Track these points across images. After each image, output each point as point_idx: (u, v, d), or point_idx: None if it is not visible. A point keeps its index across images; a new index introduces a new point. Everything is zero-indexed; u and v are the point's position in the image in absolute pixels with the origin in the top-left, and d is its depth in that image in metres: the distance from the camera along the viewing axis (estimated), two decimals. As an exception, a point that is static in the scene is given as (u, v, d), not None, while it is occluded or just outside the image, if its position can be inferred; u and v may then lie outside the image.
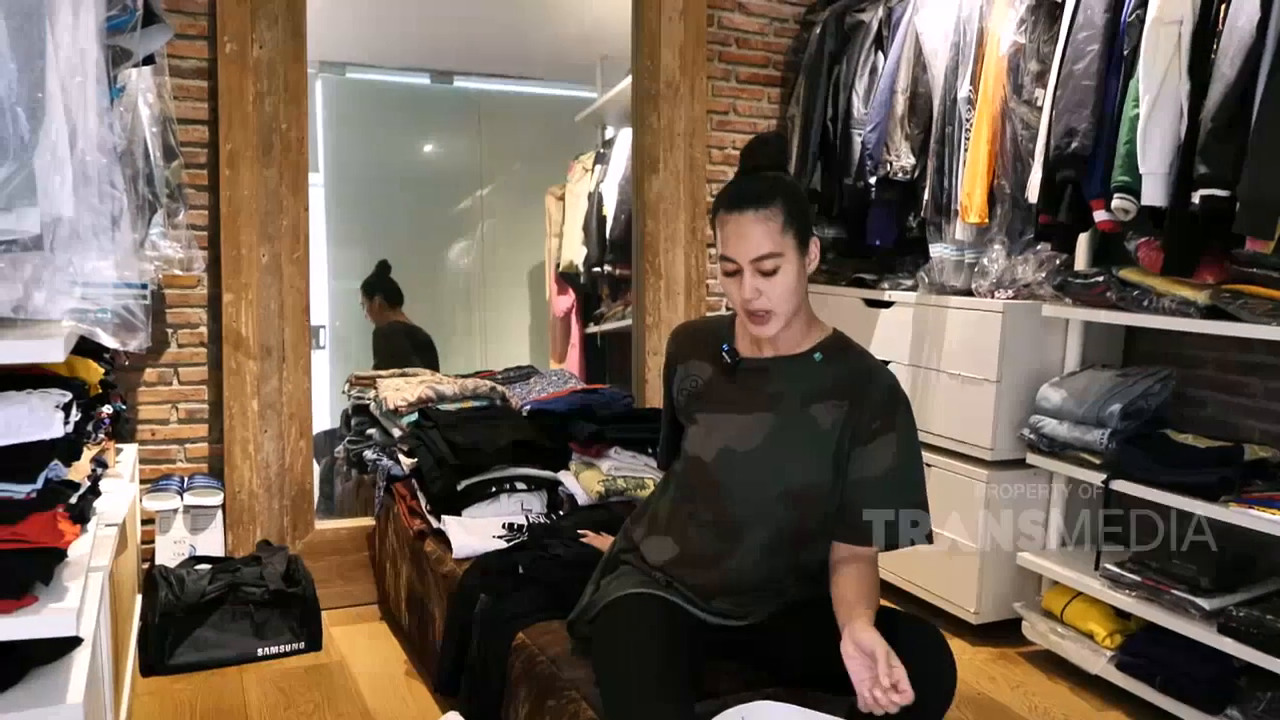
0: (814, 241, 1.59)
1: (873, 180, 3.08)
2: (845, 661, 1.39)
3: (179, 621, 2.47)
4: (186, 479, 2.82)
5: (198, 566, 2.65)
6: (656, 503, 1.76)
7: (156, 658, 2.44)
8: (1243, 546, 2.33)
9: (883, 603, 1.57)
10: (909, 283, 3.08)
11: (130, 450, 2.56)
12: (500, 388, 3.10)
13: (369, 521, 3.01)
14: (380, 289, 4.47)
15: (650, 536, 1.72)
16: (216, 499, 2.76)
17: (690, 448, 1.68)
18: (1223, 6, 2.11)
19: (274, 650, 2.56)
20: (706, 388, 1.68)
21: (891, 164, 2.99)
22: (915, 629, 1.55)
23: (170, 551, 2.73)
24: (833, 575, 1.59)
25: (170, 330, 2.83)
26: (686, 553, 1.66)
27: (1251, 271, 2.13)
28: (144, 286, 1.94)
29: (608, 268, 4.39)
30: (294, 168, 2.83)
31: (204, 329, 2.86)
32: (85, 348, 1.99)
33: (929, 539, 1.62)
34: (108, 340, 1.40)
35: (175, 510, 2.71)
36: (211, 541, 2.79)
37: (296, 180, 2.84)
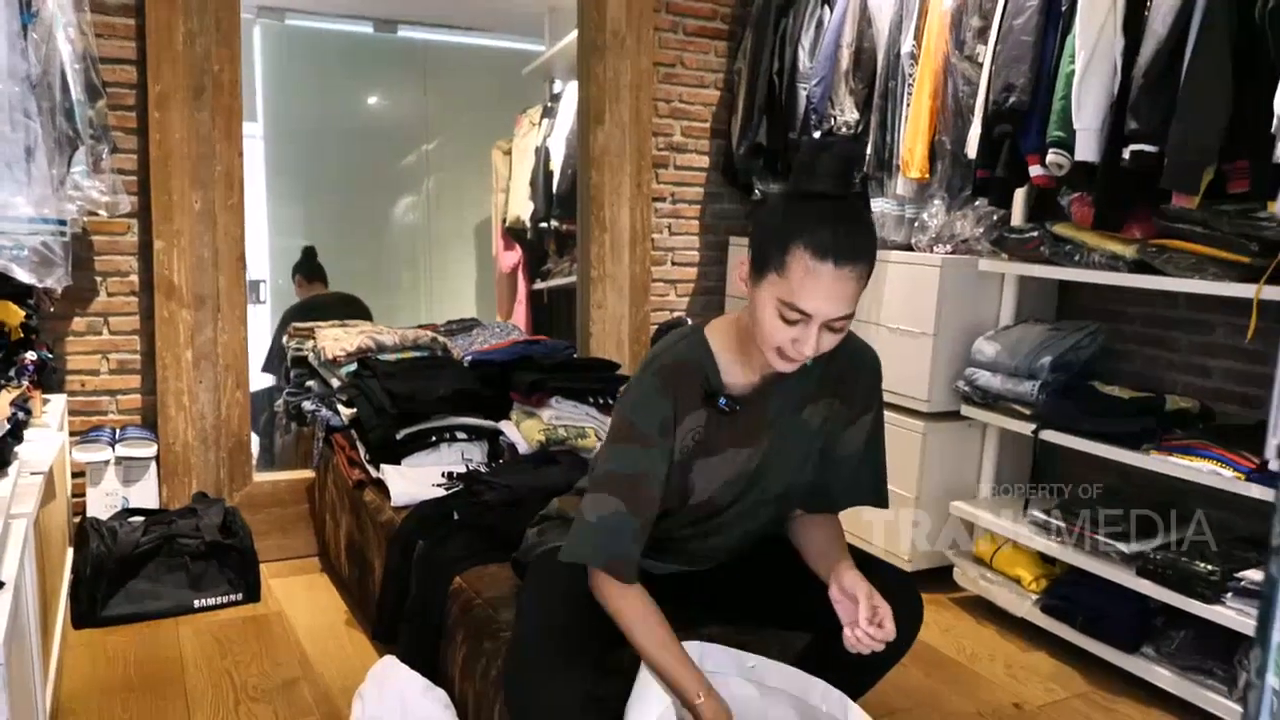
0: None
1: (817, 134, 3.09)
2: (834, 605, 1.41)
3: (111, 573, 2.43)
4: (118, 430, 2.76)
5: (131, 519, 2.60)
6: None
7: (88, 609, 2.40)
8: (1161, 492, 2.41)
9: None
10: (875, 232, 3.10)
11: (59, 400, 2.51)
12: (441, 338, 3.07)
13: (309, 474, 2.98)
14: (301, 269, 4.48)
15: None
16: (149, 450, 2.72)
17: (695, 499, 1.52)
18: (1157, -37, 2.14)
19: (211, 602, 2.53)
20: (706, 436, 1.46)
21: (836, 118, 3.00)
22: (888, 573, 1.59)
23: (102, 504, 2.68)
24: (800, 531, 1.59)
25: (99, 278, 2.75)
26: (662, 543, 1.60)
27: (1178, 227, 2.19)
28: (62, 223, 1.88)
29: (555, 223, 4.36)
30: (227, 112, 2.76)
31: (135, 277, 2.79)
32: (5, 291, 1.94)
33: (885, 504, 1.65)
34: (24, 277, 1.37)
35: (106, 462, 2.66)
36: (145, 494, 2.74)
37: (230, 125, 2.76)
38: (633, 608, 1.41)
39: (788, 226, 1.31)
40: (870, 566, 1.54)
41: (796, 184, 1.42)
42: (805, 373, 1.44)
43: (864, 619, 1.36)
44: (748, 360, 1.46)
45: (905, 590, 1.55)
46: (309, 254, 4.51)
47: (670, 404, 1.43)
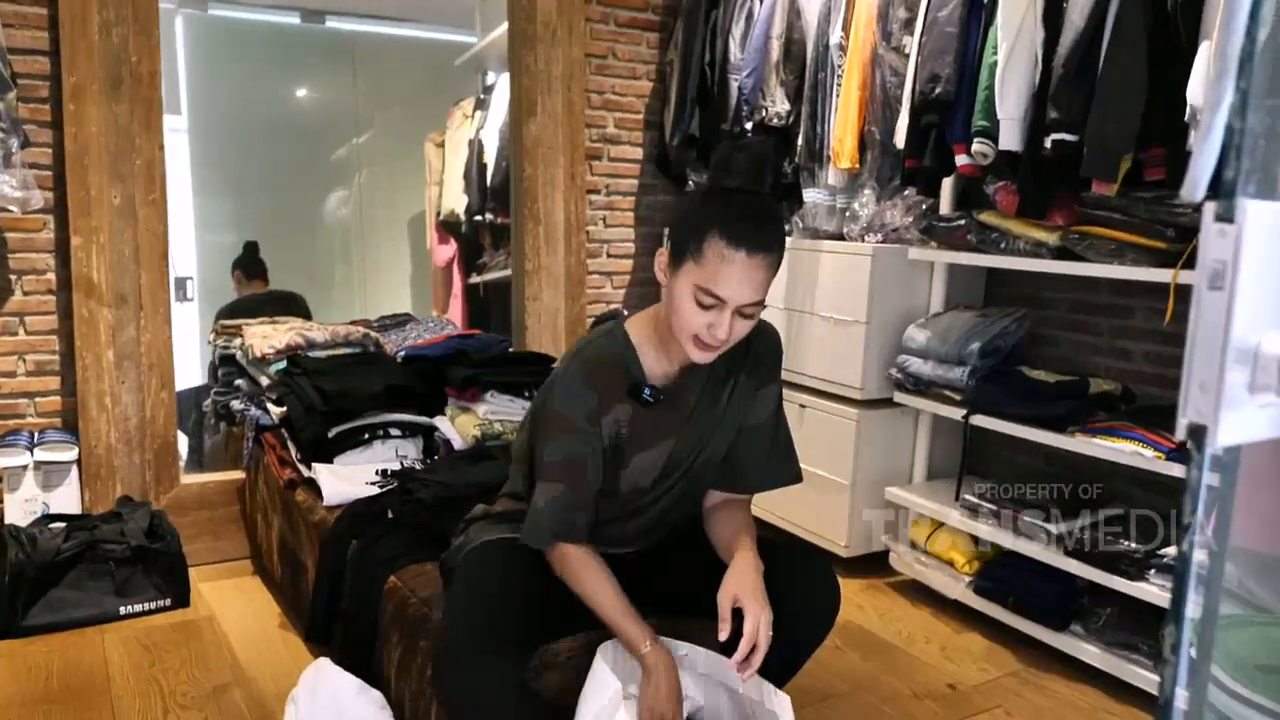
0: None
1: (749, 126, 3.11)
2: (719, 608, 1.44)
3: (31, 581, 2.34)
4: (37, 434, 2.67)
5: (52, 525, 2.52)
6: None
7: (8, 620, 2.32)
8: (1087, 473, 2.48)
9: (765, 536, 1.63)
10: (784, 228, 3.12)
11: (-29, 404, 2.41)
12: (374, 334, 3.02)
13: (239, 474, 2.91)
14: (241, 265, 4.35)
15: None
16: (70, 454, 2.63)
17: (625, 485, 1.58)
18: (1075, -44, 2.18)
19: (137, 608, 2.46)
20: (632, 429, 1.53)
21: (767, 109, 3.02)
22: (804, 557, 1.63)
23: (21, 510, 2.58)
24: (712, 525, 1.63)
25: (14, 277, 2.65)
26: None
27: (1098, 214, 2.25)
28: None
29: (489, 216, 4.32)
30: (146, 103, 2.67)
31: (52, 275, 2.69)
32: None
33: (799, 478, 1.69)
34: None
35: (25, 466, 2.56)
36: (67, 498, 2.65)
37: (149, 117, 2.68)
38: (582, 568, 1.50)
39: (705, 218, 1.38)
40: (786, 550, 1.61)
41: (713, 180, 1.46)
42: (719, 360, 1.51)
43: (736, 661, 1.40)
44: (667, 352, 1.52)
45: (821, 575, 1.60)
46: (251, 249, 4.37)
47: (594, 395, 1.49)
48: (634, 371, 1.52)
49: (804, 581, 1.57)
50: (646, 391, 1.50)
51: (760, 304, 1.41)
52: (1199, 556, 0.71)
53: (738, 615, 1.43)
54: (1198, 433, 0.67)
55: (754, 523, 1.64)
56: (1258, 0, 0.61)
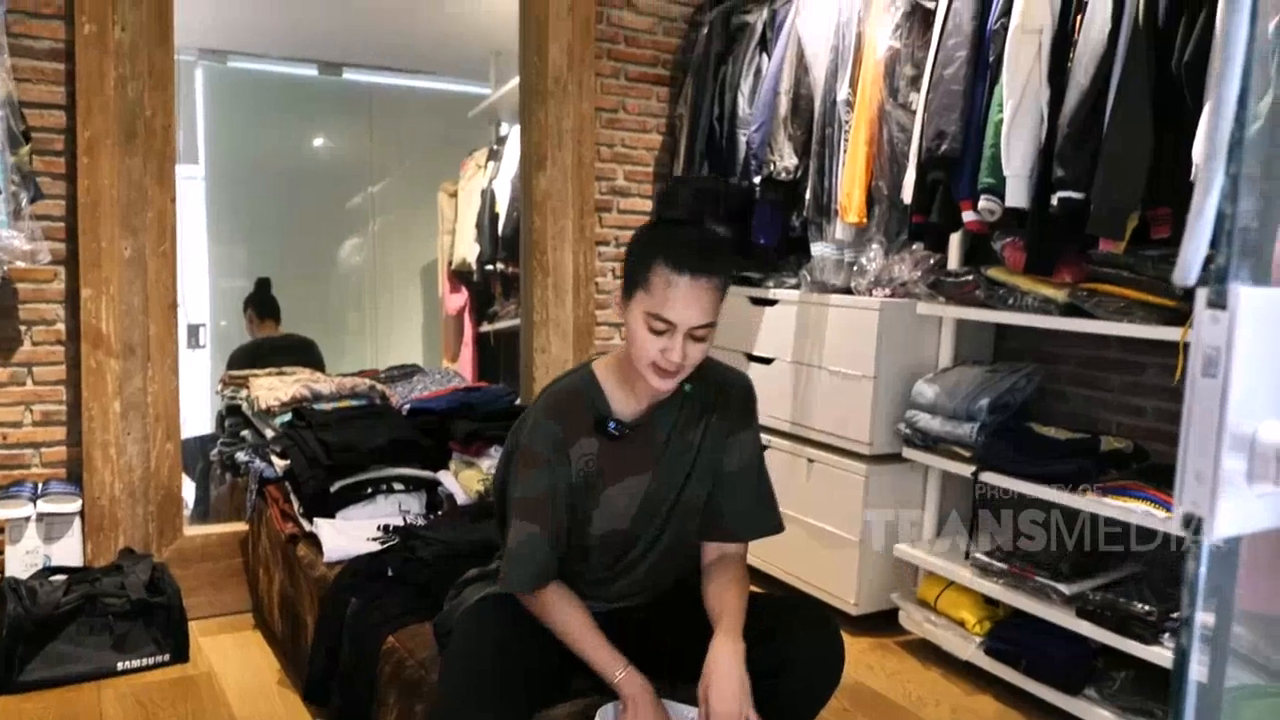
0: None
1: (757, 180, 3.12)
2: (699, 698, 1.43)
3: (30, 635, 2.33)
4: (41, 485, 2.66)
5: (53, 578, 2.51)
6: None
7: (4, 675, 2.30)
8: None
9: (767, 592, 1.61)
10: (793, 281, 3.13)
11: (-24, 455, 2.41)
12: (381, 386, 3.02)
13: (242, 526, 2.89)
14: (253, 302, 4.32)
15: None
16: (73, 506, 2.62)
17: (600, 526, 1.58)
18: (1079, 17, 2.20)
19: (136, 664, 2.43)
20: (600, 463, 1.54)
21: (775, 164, 3.03)
22: (806, 612, 1.61)
23: (21, 562, 2.57)
24: (704, 580, 1.61)
25: (24, 327, 2.67)
26: (587, 580, 1.63)
27: (1106, 271, 2.23)
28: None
29: (501, 265, 4.34)
30: (159, 156, 2.71)
31: (61, 326, 2.71)
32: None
33: (781, 528, 1.68)
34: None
35: (27, 518, 2.55)
36: (69, 551, 2.64)
37: (162, 170, 2.71)
38: (554, 605, 1.53)
39: (650, 249, 1.45)
40: (791, 607, 1.61)
41: (658, 213, 1.54)
42: (685, 397, 1.57)
43: None
44: (631, 389, 1.56)
45: (824, 633, 1.57)
46: (263, 286, 4.33)
47: (559, 426, 1.53)
48: (599, 406, 1.55)
49: (807, 640, 1.54)
50: (612, 425, 1.53)
51: (710, 326, 1.45)
52: (1198, 638, 0.69)
53: None
54: (1194, 523, 0.65)
55: (746, 582, 1.61)
56: (1246, 86, 0.60)
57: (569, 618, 1.52)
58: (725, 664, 1.42)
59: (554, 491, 1.52)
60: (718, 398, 1.60)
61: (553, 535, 1.52)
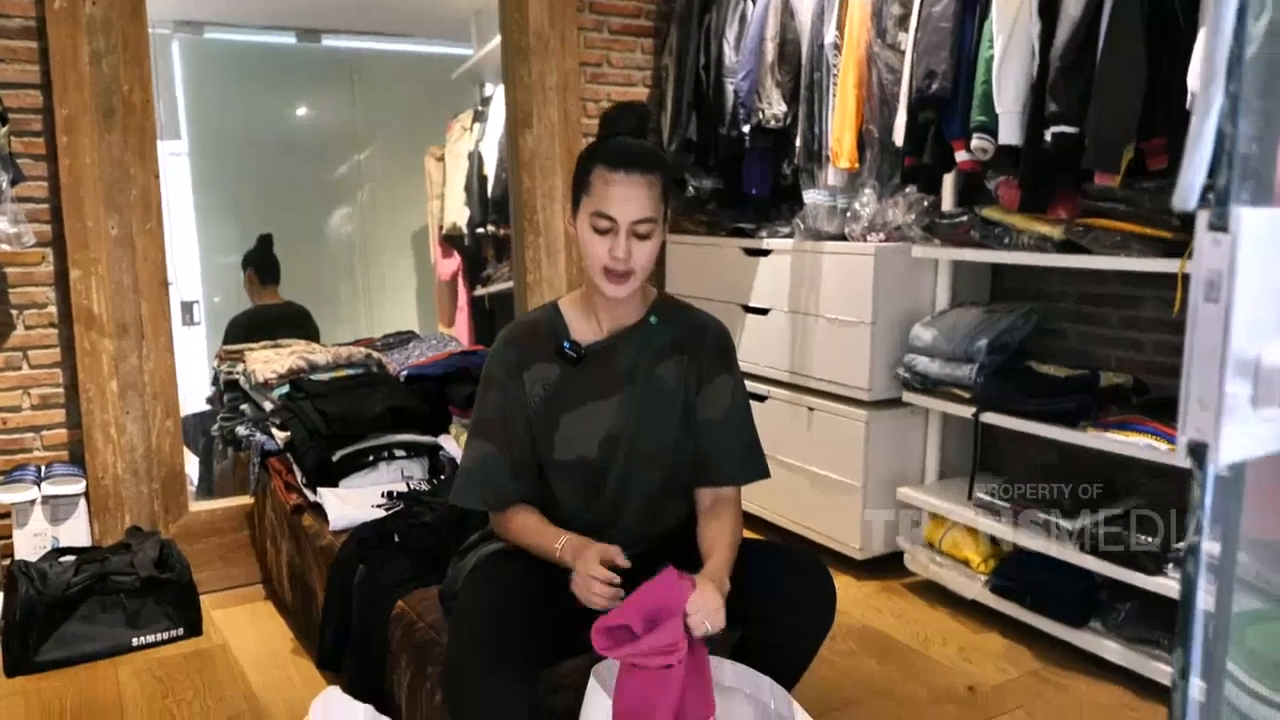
0: (668, 217, 1.63)
1: (746, 129, 3.08)
2: None
3: (43, 617, 2.34)
4: (44, 468, 2.66)
5: (61, 559, 2.51)
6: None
7: (21, 657, 2.31)
8: (1101, 467, 2.44)
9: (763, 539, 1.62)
10: (785, 230, 3.10)
11: (-24, 440, 2.41)
12: (377, 354, 3.01)
13: (247, 500, 2.90)
14: (253, 262, 4.21)
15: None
16: (78, 487, 2.62)
17: (564, 453, 1.61)
18: (1067, -54, 2.15)
19: (150, 639, 2.45)
20: (560, 388, 1.60)
21: (764, 111, 3.00)
22: (796, 558, 1.63)
23: (30, 545, 2.58)
24: (699, 526, 1.63)
25: (15, 311, 2.65)
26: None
27: (1101, 205, 2.22)
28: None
29: (491, 228, 4.31)
30: (140, 132, 2.67)
31: (53, 308, 2.69)
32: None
33: (767, 474, 1.70)
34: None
35: (32, 501, 2.56)
36: (76, 531, 2.65)
37: (144, 146, 2.68)
38: (513, 524, 1.59)
39: (589, 157, 1.56)
40: (776, 553, 1.63)
41: (600, 134, 1.62)
42: (653, 333, 1.63)
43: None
44: (592, 315, 1.64)
45: (814, 574, 1.59)
46: (264, 243, 4.22)
47: (515, 351, 1.62)
48: (560, 333, 1.63)
49: (796, 584, 1.56)
50: (567, 345, 1.61)
51: (652, 223, 1.53)
52: (1205, 566, 0.69)
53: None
54: (1199, 450, 0.64)
55: (739, 527, 1.63)
56: (1244, 3, 0.59)
57: (524, 525, 1.57)
58: (704, 595, 1.41)
59: (510, 413, 1.59)
60: (690, 337, 1.65)
61: (510, 457, 1.59)
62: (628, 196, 1.51)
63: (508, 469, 1.59)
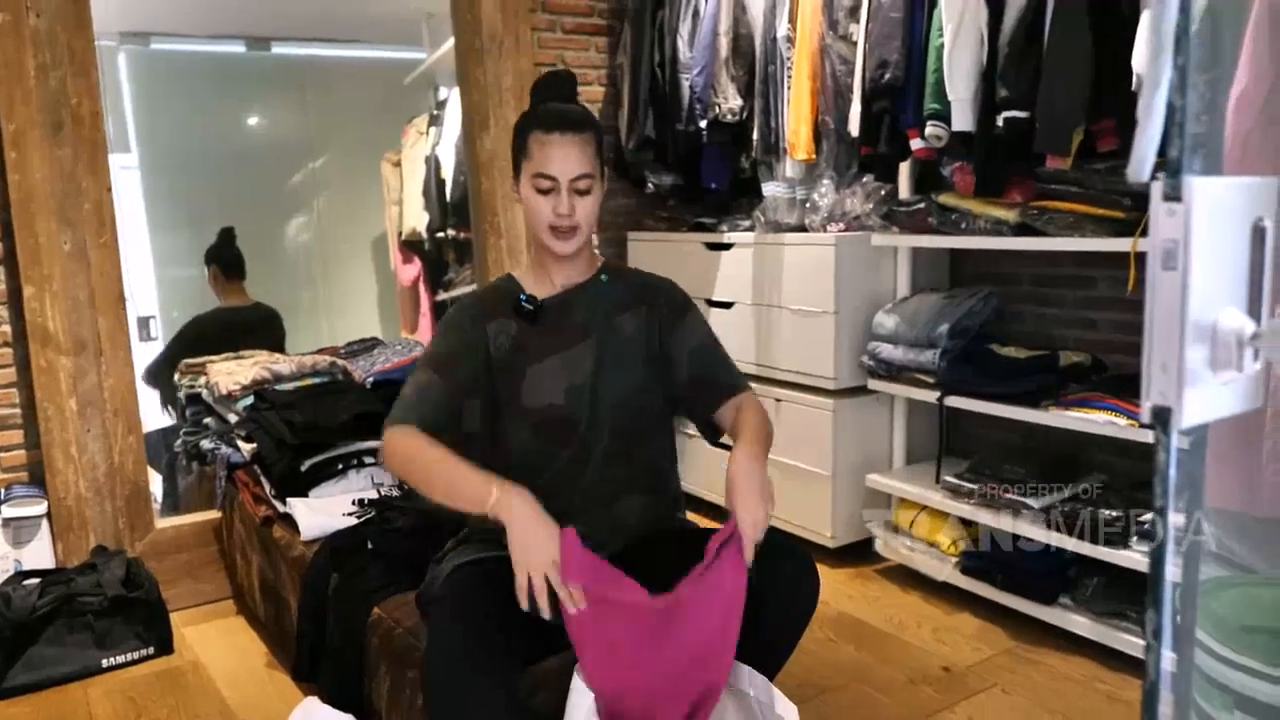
0: (606, 175, 1.72)
1: (703, 124, 3.10)
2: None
3: (8, 642, 2.29)
4: (4, 490, 2.61)
5: (25, 582, 2.46)
6: (492, 455, 1.67)
7: (-14, 683, 2.27)
8: (1064, 445, 2.49)
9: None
10: (746, 223, 3.12)
11: (-68, 465, 2.36)
12: (341, 362, 2.99)
13: (214, 515, 2.86)
14: (216, 257, 4.04)
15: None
16: (39, 508, 2.58)
17: (531, 400, 1.65)
18: (1012, -67, 2.19)
19: (120, 660, 2.41)
20: (520, 341, 1.67)
21: (720, 106, 3.01)
22: (780, 547, 1.62)
23: (-8, 569, 2.53)
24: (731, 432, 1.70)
25: (-33, 332, 2.60)
26: (529, 487, 1.61)
27: (1054, 188, 2.26)
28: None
29: (451, 232, 4.29)
30: (90, 145, 2.62)
31: (7, 327, 2.63)
32: None
33: (749, 388, 1.75)
34: None
35: (-7, 525, 2.51)
36: (39, 554, 2.60)
37: (95, 159, 2.63)
38: (435, 452, 1.52)
39: (524, 123, 1.64)
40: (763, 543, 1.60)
41: (531, 101, 1.70)
42: (605, 289, 1.71)
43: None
44: (544, 276, 1.71)
45: (797, 566, 1.61)
46: (226, 237, 4.06)
47: (477, 306, 1.71)
48: (515, 292, 1.71)
49: (778, 570, 1.56)
50: (523, 298, 1.68)
51: (589, 177, 1.61)
52: (1172, 537, 0.71)
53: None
54: (1162, 414, 0.66)
55: (767, 418, 1.68)
56: (1188, -24, 0.60)
57: (432, 453, 1.51)
58: (745, 472, 1.49)
59: (462, 353, 1.64)
60: (646, 293, 1.74)
61: (450, 385, 1.61)
62: (565, 156, 1.59)
63: (441, 394, 1.61)
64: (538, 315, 1.68)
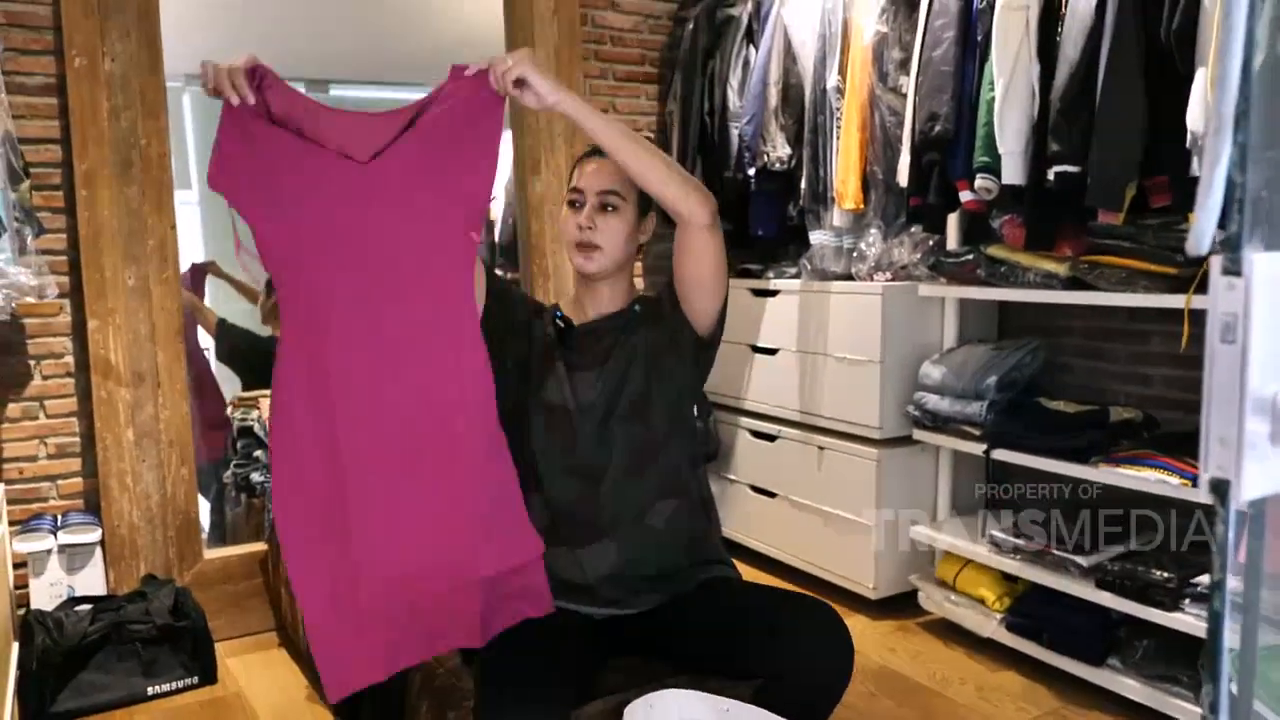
0: (652, 216, 1.72)
1: (751, 171, 3.13)
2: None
3: (59, 667, 2.34)
4: (60, 517, 2.68)
5: (78, 608, 2.52)
6: (519, 452, 1.67)
7: (36, 708, 2.31)
8: (1114, 502, 2.45)
9: (780, 583, 1.61)
10: (793, 271, 3.14)
11: (-6, 491, 2.43)
12: (391, 400, 3.03)
13: (261, 546, 2.91)
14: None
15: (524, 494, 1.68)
16: (93, 535, 2.63)
17: (551, 396, 1.69)
18: (1064, -10, 2.21)
19: (165, 688, 2.45)
20: (549, 347, 1.72)
21: (768, 155, 3.04)
22: (810, 609, 1.58)
23: (46, 595, 2.58)
24: None
25: (33, 361, 2.68)
26: (558, 511, 1.66)
27: (1106, 243, 2.25)
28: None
29: (499, 272, 4.35)
30: (157, 185, 2.72)
31: (70, 358, 2.72)
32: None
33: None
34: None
35: (49, 550, 2.57)
36: (92, 580, 2.65)
37: (160, 198, 2.72)
38: None
39: (577, 159, 1.74)
40: (793, 604, 1.59)
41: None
42: (631, 316, 1.73)
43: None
44: (580, 305, 1.77)
45: (831, 628, 1.55)
46: None
47: (524, 297, 1.80)
48: (554, 310, 1.78)
49: (811, 639, 1.52)
50: (557, 314, 1.75)
51: (617, 195, 1.64)
52: (1229, 607, 0.70)
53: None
54: (1221, 487, 0.66)
55: (649, 149, 1.59)
56: (1249, 56, 0.61)
57: None
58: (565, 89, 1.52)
59: (514, 290, 1.76)
60: (648, 306, 1.76)
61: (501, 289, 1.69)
62: (597, 170, 1.66)
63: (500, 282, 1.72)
64: (566, 336, 1.72)
